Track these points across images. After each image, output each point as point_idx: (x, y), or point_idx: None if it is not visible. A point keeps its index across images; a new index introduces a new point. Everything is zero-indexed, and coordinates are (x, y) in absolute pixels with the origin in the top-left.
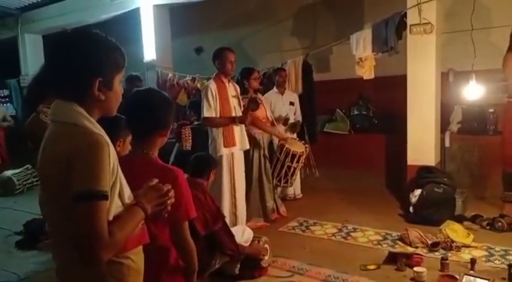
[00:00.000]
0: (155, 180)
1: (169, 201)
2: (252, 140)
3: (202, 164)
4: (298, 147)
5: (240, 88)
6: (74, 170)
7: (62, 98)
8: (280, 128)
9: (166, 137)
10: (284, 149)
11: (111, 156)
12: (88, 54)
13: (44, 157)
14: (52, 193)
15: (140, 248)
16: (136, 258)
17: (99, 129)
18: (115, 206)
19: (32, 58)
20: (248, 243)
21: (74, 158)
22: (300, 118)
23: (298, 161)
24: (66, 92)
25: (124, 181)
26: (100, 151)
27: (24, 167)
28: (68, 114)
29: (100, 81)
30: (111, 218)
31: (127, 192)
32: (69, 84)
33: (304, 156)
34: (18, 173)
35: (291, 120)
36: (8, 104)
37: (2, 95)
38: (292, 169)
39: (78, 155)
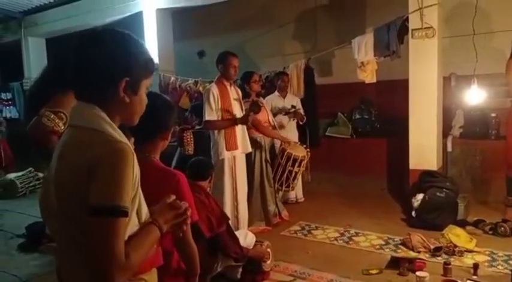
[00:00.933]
0: (172, 197)
1: (187, 221)
2: (254, 143)
3: (202, 167)
4: (300, 151)
5: (242, 92)
6: (94, 180)
7: (83, 99)
8: (285, 120)
9: (167, 140)
10: (285, 153)
11: (135, 168)
12: (118, 52)
13: (61, 163)
14: (64, 200)
15: (154, 270)
16: (150, 278)
17: (122, 137)
18: (132, 224)
19: (35, 61)
20: (251, 248)
21: (96, 167)
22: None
23: (299, 166)
24: (89, 92)
25: (142, 197)
26: (125, 161)
27: (27, 170)
28: (88, 118)
29: (127, 81)
30: (126, 237)
31: (144, 209)
32: (95, 82)
33: (305, 161)
34: (21, 176)
35: (292, 121)
36: (11, 107)
37: (5, 98)
38: (293, 173)
39: (100, 164)
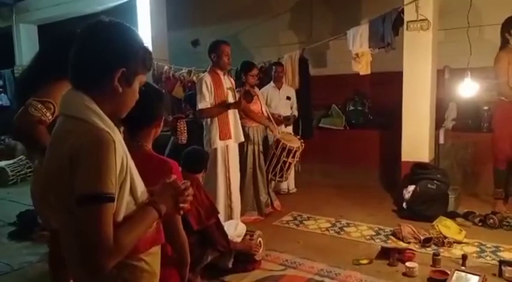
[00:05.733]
0: (173, 176)
1: (188, 198)
2: (247, 132)
3: (196, 158)
4: (294, 142)
5: (237, 80)
6: (76, 170)
7: (78, 86)
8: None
9: (159, 127)
10: (280, 144)
11: (118, 154)
12: (118, 42)
13: (50, 153)
14: (55, 190)
15: (155, 249)
16: (151, 260)
17: (107, 125)
18: (126, 204)
19: (26, 48)
20: (241, 238)
21: (77, 156)
22: (296, 113)
23: (293, 156)
24: (85, 79)
25: (136, 176)
26: (103, 149)
27: (18, 158)
28: (74, 107)
29: (123, 72)
30: (120, 219)
31: (140, 187)
32: (92, 69)
33: (300, 152)
34: (12, 163)
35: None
36: (2, 94)
37: None
38: (287, 164)
39: (80, 154)
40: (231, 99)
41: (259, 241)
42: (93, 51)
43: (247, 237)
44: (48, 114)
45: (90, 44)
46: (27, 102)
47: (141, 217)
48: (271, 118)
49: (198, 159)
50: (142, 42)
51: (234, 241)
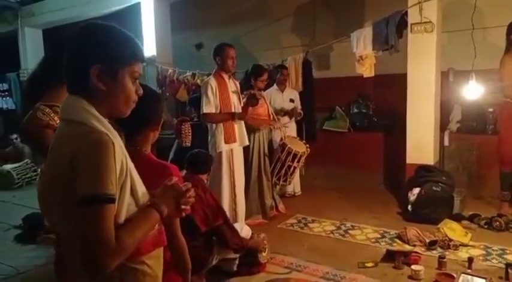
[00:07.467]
0: (174, 179)
1: (190, 200)
2: (252, 136)
3: (200, 160)
4: (300, 147)
5: (246, 84)
6: (77, 172)
7: (70, 92)
8: (285, 120)
9: (158, 131)
10: (286, 148)
11: (117, 155)
12: (90, 41)
13: (51, 156)
14: (57, 194)
15: (158, 251)
16: (153, 263)
17: (106, 128)
18: (127, 205)
19: (31, 52)
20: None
21: (77, 159)
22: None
23: (298, 161)
24: (70, 83)
25: (136, 178)
26: (103, 151)
27: (24, 161)
28: (73, 111)
29: (100, 69)
30: (122, 220)
31: (140, 189)
32: (71, 74)
33: (305, 156)
34: (18, 167)
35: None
36: (8, 98)
37: (2, 89)
38: (292, 168)
39: (80, 156)
40: (235, 103)
41: (264, 243)
42: (71, 53)
43: (255, 236)
44: (56, 118)
45: (69, 49)
46: (35, 107)
47: (143, 218)
48: (276, 120)
49: (202, 161)
50: (119, 35)
51: (245, 238)
